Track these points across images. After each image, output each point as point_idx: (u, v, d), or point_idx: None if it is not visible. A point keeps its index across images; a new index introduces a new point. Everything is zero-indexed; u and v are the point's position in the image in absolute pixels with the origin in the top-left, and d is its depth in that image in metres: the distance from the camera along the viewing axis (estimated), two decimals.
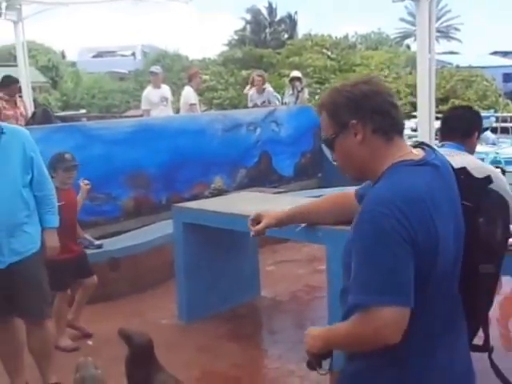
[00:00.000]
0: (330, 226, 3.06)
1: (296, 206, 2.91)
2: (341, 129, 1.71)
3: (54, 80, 33.66)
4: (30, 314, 3.46)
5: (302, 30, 42.26)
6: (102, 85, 34.60)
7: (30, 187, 3.39)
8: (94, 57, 46.07)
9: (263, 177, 8.55)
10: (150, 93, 8.91)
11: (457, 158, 2.89)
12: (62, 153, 4.37)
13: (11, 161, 3.30)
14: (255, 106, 9.69)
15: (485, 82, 25.82)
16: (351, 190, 2.26)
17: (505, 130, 19.33)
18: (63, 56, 41.33)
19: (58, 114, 15.55)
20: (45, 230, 3.50)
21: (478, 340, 1.86)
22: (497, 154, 14.94)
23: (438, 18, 40.86)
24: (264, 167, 8.63)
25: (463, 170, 1.80)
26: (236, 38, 42.53)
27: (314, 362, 1.78)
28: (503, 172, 3.97)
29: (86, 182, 4.64)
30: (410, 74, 25.09)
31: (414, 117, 15.22)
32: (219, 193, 7.26)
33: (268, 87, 10.00)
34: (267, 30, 42.69)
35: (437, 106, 6.80)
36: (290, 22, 43.35)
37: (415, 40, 7.30)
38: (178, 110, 9.70)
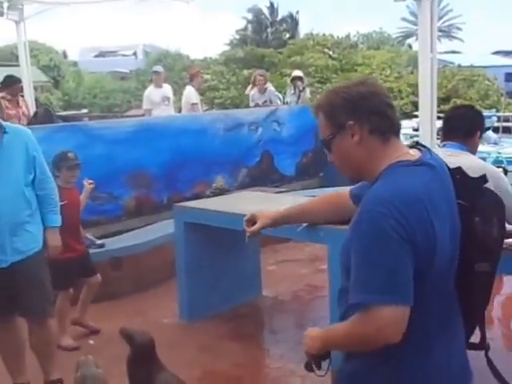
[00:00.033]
0: (331, 226, 3.05)
1: (291, 206, 2.90)
2: (338, 130, 1.73)
3: (55, 79, 33.63)
4: (33, 313, 3.47)
5: (303, 30, 42.21)
6: (104, 84, 34.55)
7: (33, 186, 3.41)
8: (95, 56, 46.02)
9: (265, 176, 8.54)
10: (151, 92, 8.88)
11: (459, 157, 2.89)
12: (65, 151, 4.40)
13: (14, 160, 3.32)
14: (257, 105, 9.68)
15: (487, 82, 25.72)
16: (346, 189, 2.26)
17: (507, 130, 19.23)
18: (65, 55, 41.26)
19: (59, 114, 15.59)
20: (47, 229, 3.51)
21: (475, 338, 1.87)
22: (499, 153, 14.86)
23: (440, 18, 40.75)
24: (266, 167, 8.64)
25: (458, 169, 1.81)
26: (238, 37, 42.41)
27: (313, 363, 1.79)
28: (505, 172, 3.96)
29: (90, 181, 4.65)
30: (412, 73, 25.01)
31: (416, 116, 15.18)
32: (221, 192, 7.27)
33: (270, 87, 9.99)
34: (269, 30, 42.55)
35: (438, 106, 6.78)
36: (292, 21, 43.19)
37: (417, 39, 7.28)
38: (180, 110, 9.69)
